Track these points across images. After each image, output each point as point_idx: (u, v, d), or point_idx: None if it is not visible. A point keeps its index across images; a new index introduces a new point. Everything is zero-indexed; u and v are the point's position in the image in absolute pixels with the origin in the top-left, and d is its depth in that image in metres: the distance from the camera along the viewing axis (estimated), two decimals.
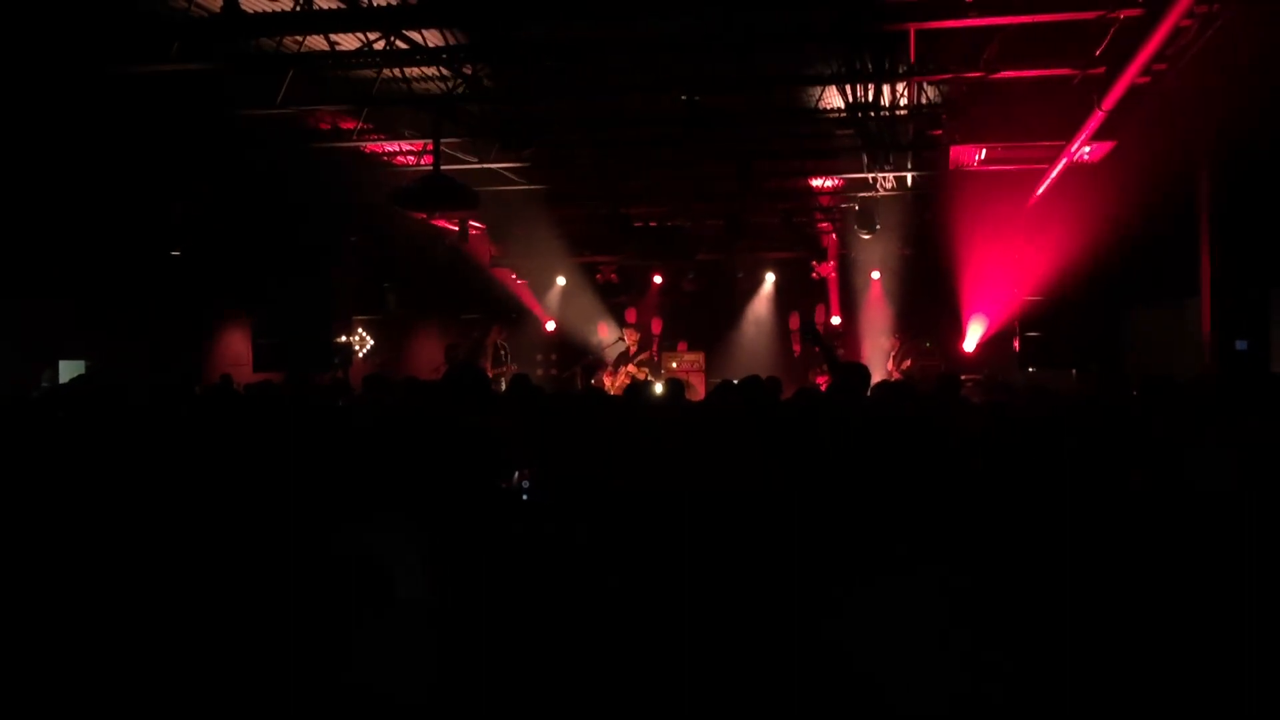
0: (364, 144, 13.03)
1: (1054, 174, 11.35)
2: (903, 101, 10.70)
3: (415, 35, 9.22)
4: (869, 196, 14.62)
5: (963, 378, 9.35)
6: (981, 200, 13.39)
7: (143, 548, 3.60)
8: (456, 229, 16.49)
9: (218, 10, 7.87)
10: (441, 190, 10.79)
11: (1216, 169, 9.51)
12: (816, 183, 15.10)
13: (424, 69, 10.38)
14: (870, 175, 13.31)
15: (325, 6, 8.50)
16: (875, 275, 17.41)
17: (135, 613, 3.38)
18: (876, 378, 5.89)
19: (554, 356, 19.05)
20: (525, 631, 3.35)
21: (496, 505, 3.94)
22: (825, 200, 15.93)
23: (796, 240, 17.08)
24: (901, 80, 9.91)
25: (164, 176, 11.57)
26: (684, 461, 3.98)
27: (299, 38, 9.51)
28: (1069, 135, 9.81)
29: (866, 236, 14.90)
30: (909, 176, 13.63)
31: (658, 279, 18.79)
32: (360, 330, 17.17)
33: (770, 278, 18.44)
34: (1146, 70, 7.98)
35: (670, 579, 3.32)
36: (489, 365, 14.43)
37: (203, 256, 12.63)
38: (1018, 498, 3.45)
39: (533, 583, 3.50)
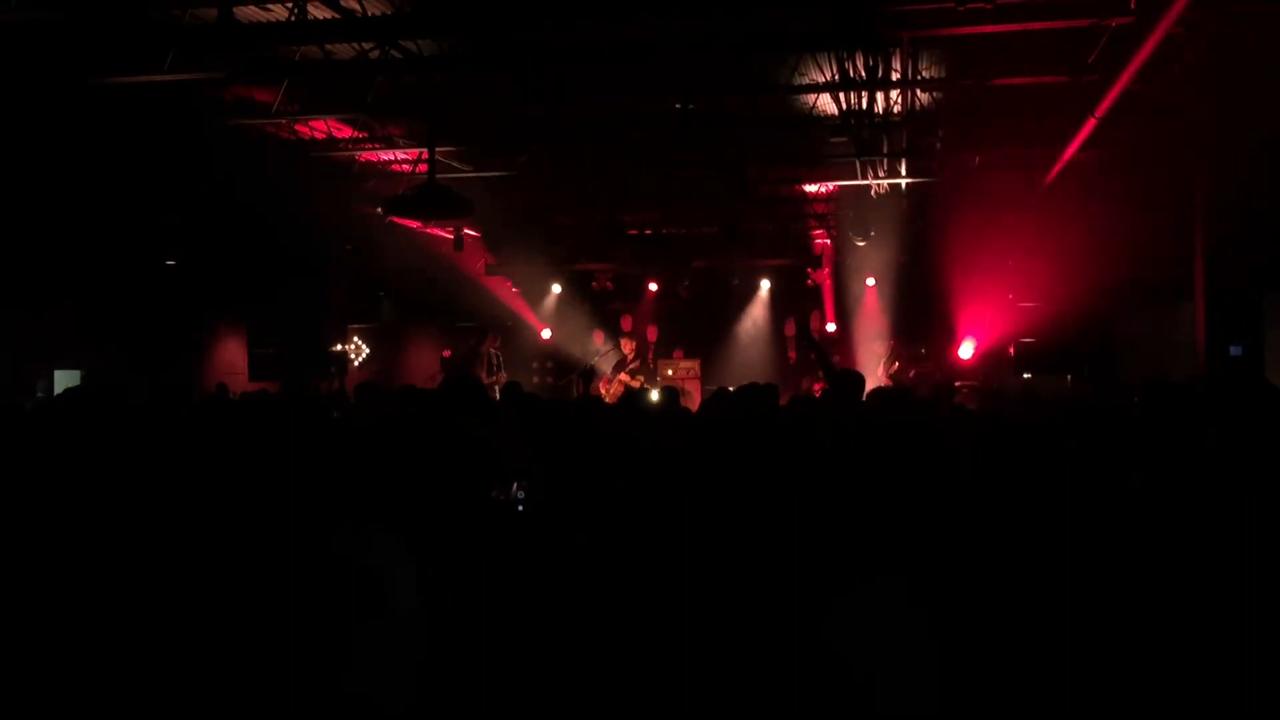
0: (359, 153, 13.06)
1: (1049, 179, 11.40)
2: (896, 108, 10.74)
3: (409, 44, 9.25)
4: (863, 201, 14.65)
5: (957, 384, 9.38)
6: (976, 206, 13.44)
7: (136, 558, 3.59)
8: (451, 237, 16.49)
9: (213, 19, 7.89)
10: (435, 198, 10.80)
11: (1211, 173, 9.54)
12: (811, 188, 15.13)
13: (418, 76, 10.40)
14: (865, 181, 13.34)
15: (319, 16, 8.52)
16: (870, 282, 17.42)
17: (130, 619, 3.37)
18: (870, 385, 5.91)
19: (549, 365, 19.04)
20: (521, 639, 3.35)
21: (492, 514, 3.94)
22: (820, 208, 15.97)
23: (791, 247, 17.11)
24: (896, 88, 9.95)
25: (159, 185, 11.57)
26: (681, 466, 3.98)
27: (295, 46, 9.51)
28: (1064, 141, 9.86)
29: (861, 243, 14.92)
30: (903, 183, 13.66)
31: (653, 286, 18.80)
32: (356, 339, 17.16)
33: (766, 284, 18.44)
34: (1140, 77, 8.01)
35: (667, 584, 3.32)
36: (483, 374, 14.42)
37: (198, 265, 12.62)
38: (1015, 501, 3.46)
39: (529, 589, 3.50)
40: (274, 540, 3.63)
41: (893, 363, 14.80)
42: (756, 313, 18.77)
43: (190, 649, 3.33)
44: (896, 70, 9.60)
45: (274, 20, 8.68)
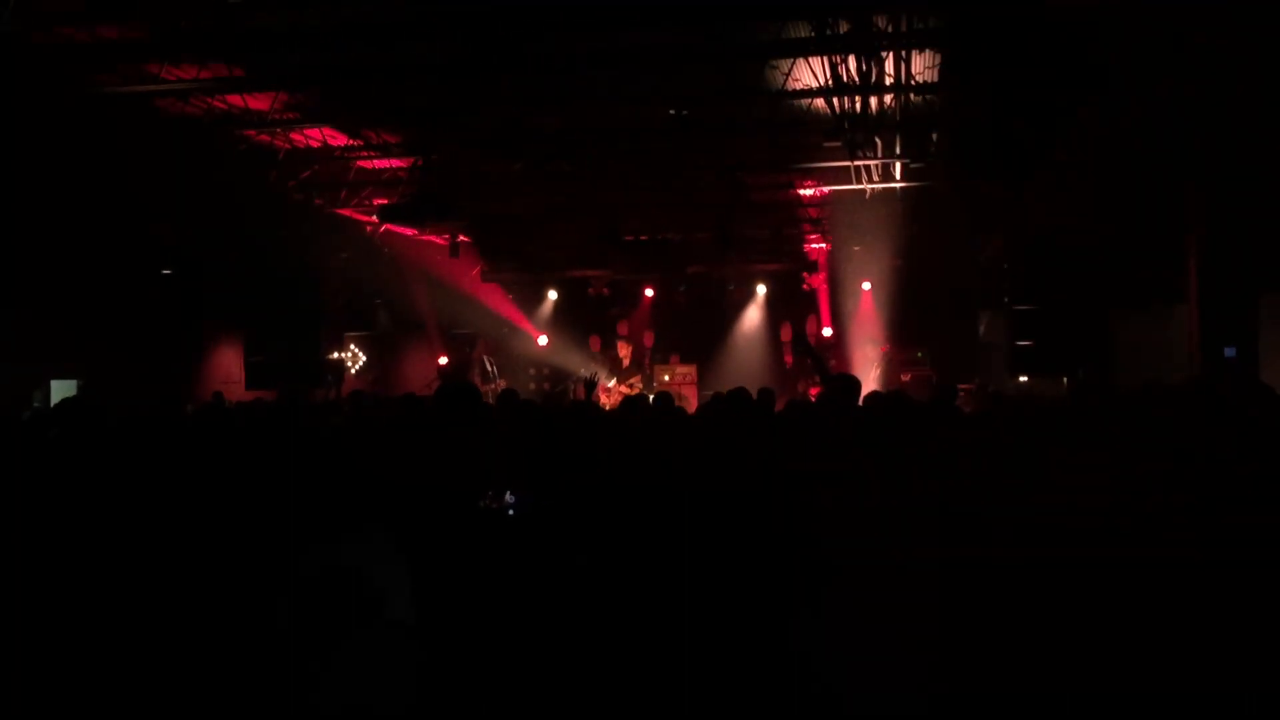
0: (354, 160, 13.09)
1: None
2: (889, 106, 10.74)
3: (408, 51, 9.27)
4: (858, 205, 14.68)
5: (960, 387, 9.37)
6: (969, 208, 13.47)
7: (131, 567, 3.60)
8: (446, 243, 16.52)
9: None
10: (427, 204, 10.85)
11: (1204, 176, 9.58)
12: (806, 192, 15.13)
13: (414, 84, 10.41)
14: (859, 185, 13.37)
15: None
16: (866, 286, 17.46)
17: (126, 627, 3.38)
18: (867, 389, 5.91)
19: (546, 371, 19.06)
20: (510, 647, 3.35)
21: (480, 522, 3.95)
22: (815, 212, 15.99)
23: (787, 252, 17.14)
24: (889, 93, 9.97)
25: (155, 194, 11.57)
26: (675, 469, 4.00)
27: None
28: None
29: (856, 247, 14.97)
30: (898, 187, 13.69)
31: (649, 292, 18.82)
32: (353, 346, 17.18)
33: (761, 289, 18.47)
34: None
35: (660, 589, 3.33)
36: (478, 381, 14.44)
37: (194, 274, 12.63)
38: (1004, 501, 3.47)
39: (518, 596, 3.50)
40: (266, 549, 3.64)
41: (885, 369, 14.85)
42: (752, 318, 18.79)
43: (184, 656, 3.33)
44: (890, 75, 9.63)
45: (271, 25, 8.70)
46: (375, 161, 13.31)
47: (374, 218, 14.98)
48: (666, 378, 17.32)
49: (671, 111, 10.29)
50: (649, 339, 18.95)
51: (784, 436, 4.83)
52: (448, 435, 4.30)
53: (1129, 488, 3.49)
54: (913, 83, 9.71)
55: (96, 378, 11.29)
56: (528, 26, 8.11)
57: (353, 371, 17.07)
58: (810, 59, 9.66)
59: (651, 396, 9.78)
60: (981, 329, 16.36)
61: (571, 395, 15.80)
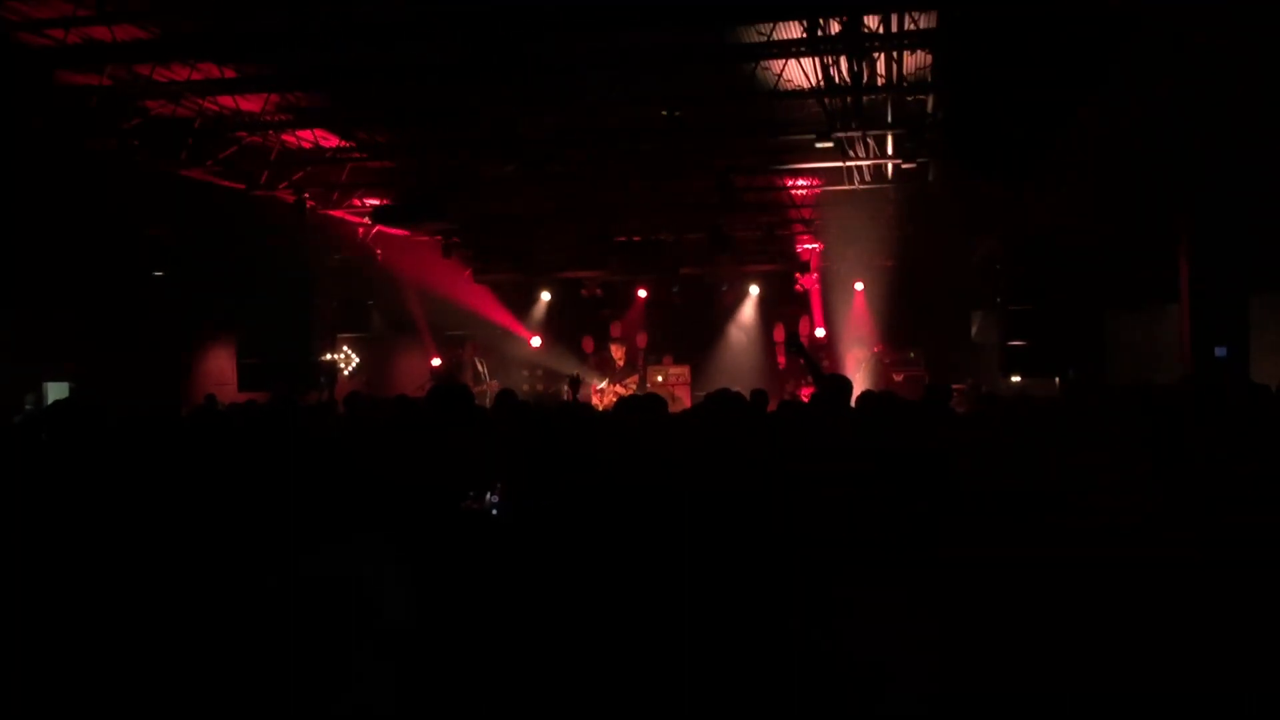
0: (346, 161, 13.06)
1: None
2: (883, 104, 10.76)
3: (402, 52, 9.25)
4: (850, 206, 14.69)
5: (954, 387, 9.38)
6: (962, 208, 13.48)
7: (123, 570, 3.59)
8: (439, 244, 16.51)
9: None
10: (420, 206, 10.84)
11: (1196, 177, 9.61)
12: (800, 190, 15.10)
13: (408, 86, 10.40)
14: (851, 186, 13.38)
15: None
16: (859, 286, 17.48)
17: (121, 630, 3.37)
18: (856, 389, 5.92)
19: (539, 372, 19.07)
20: (494, 647, 3.35)
21: (463, 523, 3.94)
22: (808, 213, 16.02)
23: (780, 253, 17.16)
24: (882, 93, 9.99)
25: (147, 196, 11.54)
26: (667, 469, 3.99)
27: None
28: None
29: (849, 248, 14.99)
30: (890, 189, 13.70)
31: (642, 293, 18.83)
32: (345, 348, 17.14)
33: (754, 290, 18.49)
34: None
35: (650, 588, 3.33)
36: (470, 382, 14.43)
37: (186, 276, 12.59)
38: (998, 502, 3.48)
39: (501, 596, 3.50)
40: (262, 552, 3.63)
41: (874, 370, 14.88)
42: (745, 318, 18.82)
43: (181, 658, 3.33)
44: (881, 75, 9.65)
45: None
46: (368, 163, 13.29)
47: (366, 219, 14.97)
48: (660, 378, 17.34)
49: (664, 112, 10.29)
50: (642, 340, 18.97)
51: (778, 437, 4.83)
52: (441, 436, 4.30)
53: (1127, 487, 3.50)
54: (905, 84, 9.73)
55: (89, 380, 11.24)
56: (526, 27, 8.11)
57: (346, 373, 17.03)
58: (802, 59, 9.68)
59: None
60: (974, 329, 16.40)
61: (564, 396, 15.80)
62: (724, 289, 18.51)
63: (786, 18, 8.58)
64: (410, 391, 13.03)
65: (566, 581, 3.46)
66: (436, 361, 17.95)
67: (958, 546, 3.23)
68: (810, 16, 8.24)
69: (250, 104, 10.85)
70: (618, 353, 16.76)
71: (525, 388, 18.37)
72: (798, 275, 17.85)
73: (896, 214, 15.11)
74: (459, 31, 8.20)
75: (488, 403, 14.29)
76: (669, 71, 9.83)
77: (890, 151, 11.78)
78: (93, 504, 3.85)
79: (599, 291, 18.69)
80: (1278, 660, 2.77)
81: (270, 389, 11.87)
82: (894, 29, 8.60)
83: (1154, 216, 10.31)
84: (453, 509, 3.88)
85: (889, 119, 10.61)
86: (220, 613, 3.44)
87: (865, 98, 10.04)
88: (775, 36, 8.99)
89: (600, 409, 14.63)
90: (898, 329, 16.72)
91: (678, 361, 18.09)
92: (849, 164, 12.31)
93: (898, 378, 15.76)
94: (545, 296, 18.94)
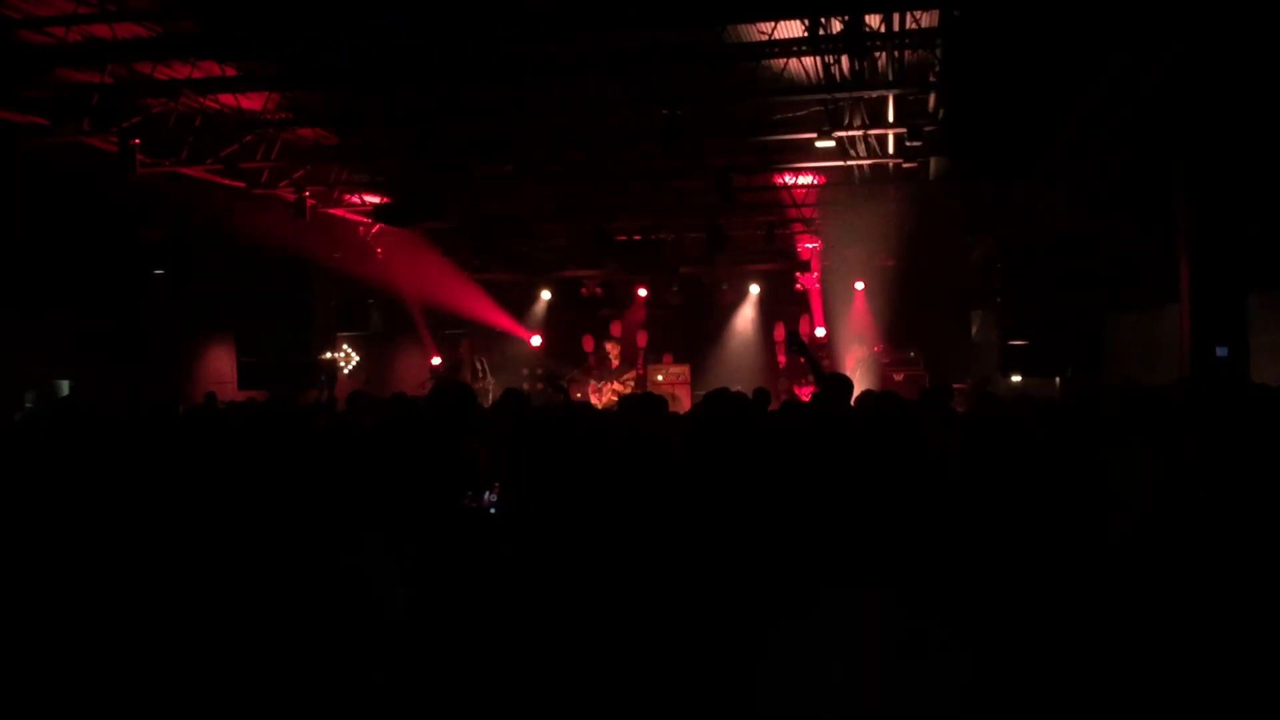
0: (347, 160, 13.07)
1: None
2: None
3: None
4: (850, 205, 14.70)
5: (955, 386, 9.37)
6: (962, 208, 13.48)
7: (121, 569, 3.59)
8: (439, 243, 16.51)
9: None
10: (420, 205, 10.85)
11: (1195, 175, 9.60)
12: (803, 185, 15.06)
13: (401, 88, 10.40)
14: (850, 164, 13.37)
15: None
16: (859, 285, 17.49)
17: (118, 627, 3.37)
18: (857, 388, 5.92)
19: (539, 371, 19.08)
20: (491, 646, 3.36)
21: (462, 521, 3.95)
22: (808, 212, 16.01)
23: (779, 252, 17.16)
24: (881, 90, 9.97)
25: (148, 194, 11.55)
26: (662, 471, 4.00)
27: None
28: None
29: (848, 248, 14.99)
30: (890, 188, 13.70)
31: (642, 292, 18.82)
32: (345, 347, 17.14)
33: (754, 289, 18.49)
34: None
35: (645, 590, 3.33)
36: (469, 380, 14.44)
37: (186, 275, 12.60)
38: (994, 504, 3.48)
39: (498, 595, 3.50)
40: (264, 550, 3.63)
41: (872, 369, 14.87)
42: (745, 318, 18.81)
43: (181, 656, 3.33)
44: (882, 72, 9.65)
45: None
46: (369, 162, 13.29)
47: (367, 218, 14.97)
48: (660, 378, 17.33)
49: (665, 111, 10.28)
50: (642, 339, 18.96)
51: (781, 436, 4.83)
52: (441, 435, 4.29)
53: (1128, 487, 3.50)
54: (905, 82, 9.73)
55: (90, 378, 11.25)
56: (525, 28, 8.11)
57: (345, 372, 17.03)
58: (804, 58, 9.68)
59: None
60: (974, 329, 16.40)
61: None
62: (724, 288, 18.50)
63: (788, 16, 8.59)
64: (411, 390, 13.04)
65: (564, 581, 3.47)
66: (436, 360, 17.95)
67: (957, 546, 3.24)
68: (812, 15, 8.24)
69: (251, 103, 10.85)
70: (613, 351, 16.75)
71: (525, 387, 18.37)
72: (798, 275, 17.84)
73: (896, 213, 15.10)
74: (458, 33, 8.21)
75: (488, 400, 14.32)
76: (668, 71, 9.83)
77: (891, 151, 11.77)
78: (89, 502, 3.85)
79: (599, 291, 18.69)
80: (1277, 660, 2.77)
81: (270, 388, 11.89)
82: (895, 28, 8.61)
83: (1153, 216, 10.30)
84: (452, 508, 3.89)
85: (889, 118, 10.60)
86: (218, 611, 3.45)
87: (866, 95, 10.03)
88: (776, 35, 9.00)
89: (599, 407, 14.64)
90: (898, 328, 16.71)
91: (677, 361, 18.09)
92: (849, 163, 12.30)
93: (898, 377, 15.74)
94: (545, 295, 18.94)
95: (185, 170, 11.50)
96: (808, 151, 11.91)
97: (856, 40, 8.62)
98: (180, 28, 8.81)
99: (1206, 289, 9.48)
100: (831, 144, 10.95)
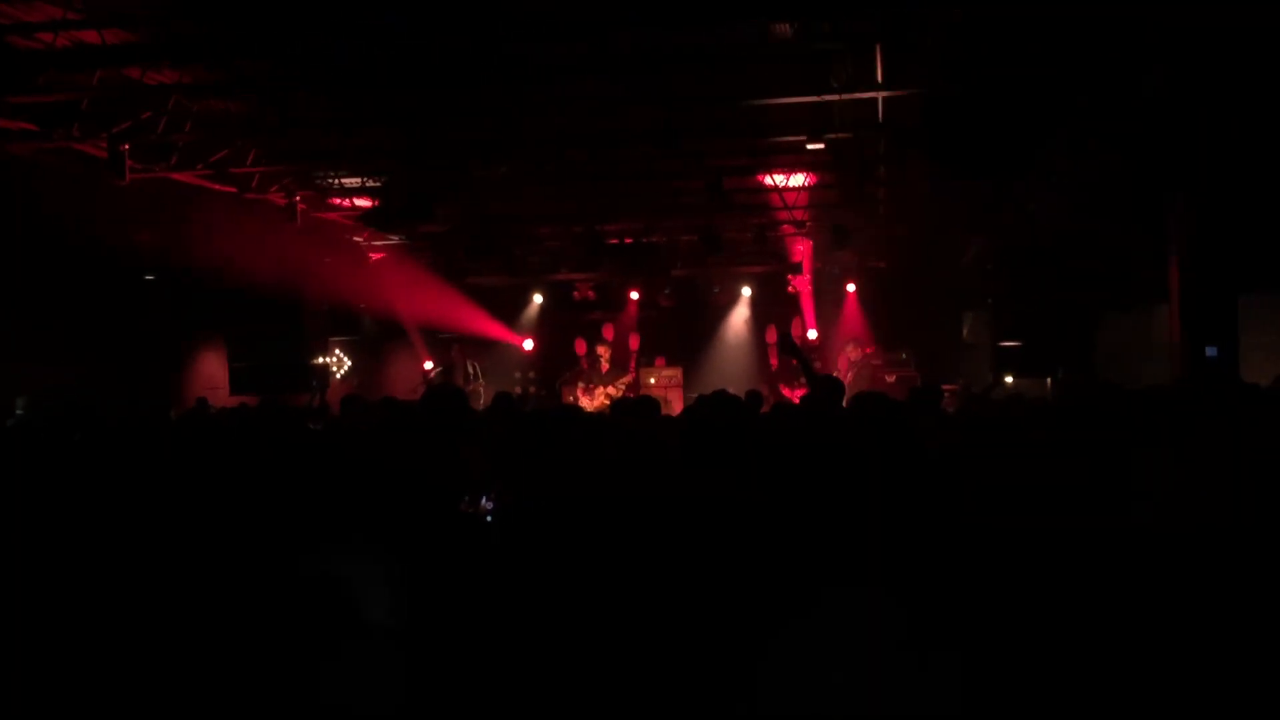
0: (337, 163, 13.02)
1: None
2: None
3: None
4: (842, 207, 14.71)
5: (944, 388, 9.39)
6: (953, 209, 13.51)
7: (113, 573, 3.58)
8: (429, 246, 16.48)
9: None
10: (411, 208, 10.83)
11: (1185, 176, 9.64)
12: (794, 186, 15.06)
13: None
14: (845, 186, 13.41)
15: None
16: (851, 288, 17.51)
17: (110, 632, 3.36)
18: (849, 390, 5.94)
19: (532, 375, 19.07)
20: (487, 652, 3.35)
21: (459, 526, 3.94)
22: (800, 214, 16.02)
23: (771, 254, 17.18)
24: (875, 93, 9.98)
25: (138, 199, 11.51)
26: (657, 473, 3.99)
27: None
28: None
29: (840, 249, 15.00)
30: (881, 190, 13.70)
31: (634, 295, 18.81)
32: (337, 351, 17.11)
33: (746, 292, 18.50)
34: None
35: (641, 593, 3.33)
36: (460, 383, 14.42)
37: (177, 280, 12.56)
38: (994, 504, 3.48)
39: (495, 600, 3.50)
40: (256, 555, 3.62)
41: (862, 371, 14.89)
42: (738, 320, 18.82)
43: (175, 660, 3.32)
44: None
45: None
46: (358, 164, 13.25)
47: (356, 223, 14.94)
48: (652, 380, 17.30)
49: (659, 115, 10.29)
50: (634, 341, 18.94)
51: (778, 437, 4.83)
52: (435, 439, 4.29)
53: (1127, 487, 3.51)
54: (896, 84, 9.74)
55: (80, 384, 11.20)
56: (524, 29, 8.10)
57: (338, 376, 16.99)
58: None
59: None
60: (965, 330, 16.44)
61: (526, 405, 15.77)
62: (716, 291, 18.50)
63: (788, 17, 8.60)
64: (403, 394, 13.01)
65: (563, 583, 3.46)
66: (429, 365, 17.93)
67: (957, 546, 3.24)
68: (812, 16, 8.25)
69: (239, 107, 10.82)
70: (604, 355, 16.72)
71: (517, 390, 18.33)
72: (790, 277, 17.85)
73: (888, 215, 15.12)
74: (455, 34, 8.20)
75: (479, 404, 14.29)
76: (660, 73, 9.83)
77: (882, 149, 11.79)
78: (83, 508, 3.83)
79: (591, 294, 18.66)
80: (1277, 659, 2.78)
81: (262, 392, 11.85)
82: (890, 29, 8.62)
83: (1144, 217, 10.34)
84: (448, 512, 3.88)
85: (880, 118, 10.61)
86: (212, 615, 3.43)
87: (857, 97, 10.04)
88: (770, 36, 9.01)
89: (590, 410, 14.61)
90: (889, 330, 16.74)
91: (670, 364, 18.07)
92: (843, 164, 12.32)
93: (889, 379, 15.75)
94: (537, 299, 18.93)
95: (175, 175, 11.48)
96: (800, 153, 11.91)
97: (850, 41, 8.65)
98: (171, 31, 8.77)
99: (1197, 290, 9.52)
100: (821, 145, 10.95)
